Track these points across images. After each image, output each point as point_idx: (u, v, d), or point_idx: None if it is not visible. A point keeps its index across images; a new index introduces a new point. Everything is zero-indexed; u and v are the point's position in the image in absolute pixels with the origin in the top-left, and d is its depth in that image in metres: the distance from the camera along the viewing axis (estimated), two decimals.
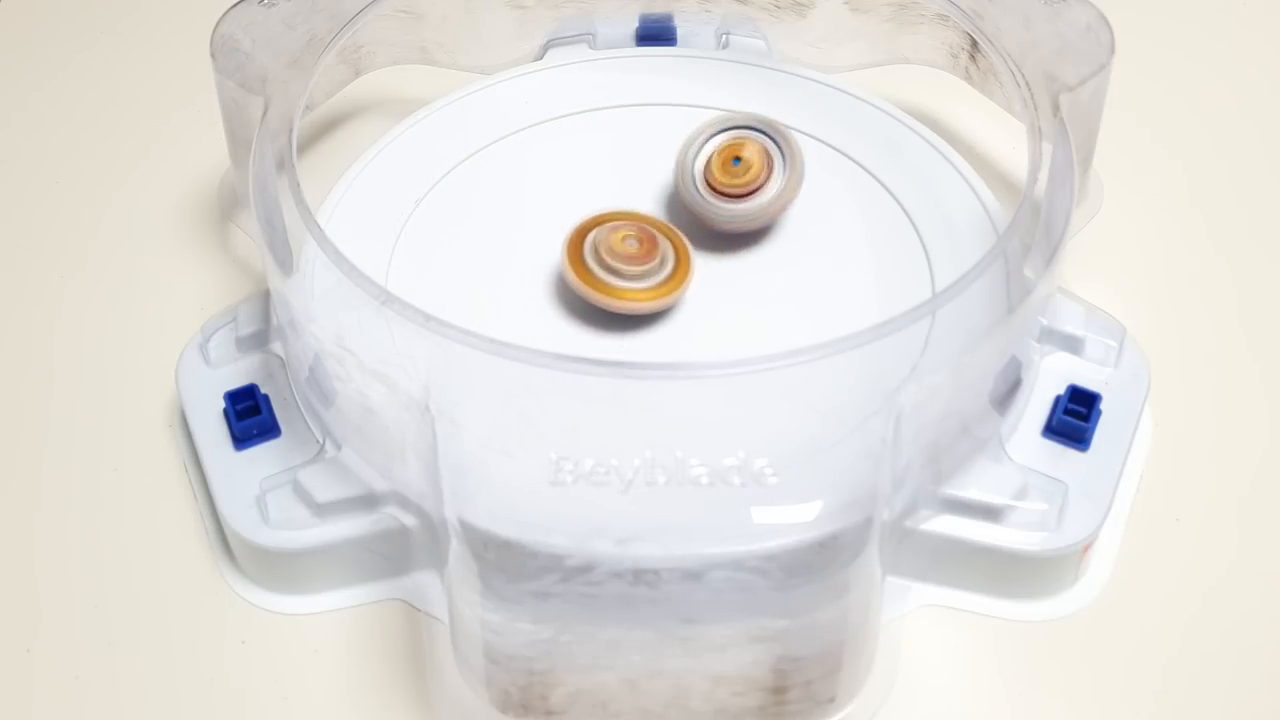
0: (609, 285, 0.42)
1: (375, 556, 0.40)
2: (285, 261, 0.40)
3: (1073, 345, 0.43)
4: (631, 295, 0.42)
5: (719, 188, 0.44)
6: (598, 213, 0.44)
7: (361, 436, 0.40)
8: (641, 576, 0.35)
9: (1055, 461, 0.41)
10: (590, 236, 0.43)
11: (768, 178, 0.44)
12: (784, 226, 0.46)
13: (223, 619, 0.41)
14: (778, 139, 0.45)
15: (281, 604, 0.41)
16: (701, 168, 0.45)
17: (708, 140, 0.45)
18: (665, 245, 0.43)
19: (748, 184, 0.44)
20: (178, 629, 0.41)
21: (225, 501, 0.41)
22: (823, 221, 0.46)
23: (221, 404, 0.42)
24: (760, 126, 0.45)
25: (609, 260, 0.42)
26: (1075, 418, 0.42)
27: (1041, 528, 0.40)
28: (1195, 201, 0.51)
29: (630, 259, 0.42)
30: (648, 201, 0.47)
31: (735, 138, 0.45)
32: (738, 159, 0.44)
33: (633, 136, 0.49)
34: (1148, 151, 0.53)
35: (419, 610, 0.41)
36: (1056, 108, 0.43)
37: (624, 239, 0.43)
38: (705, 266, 0.44)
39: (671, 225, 0.44)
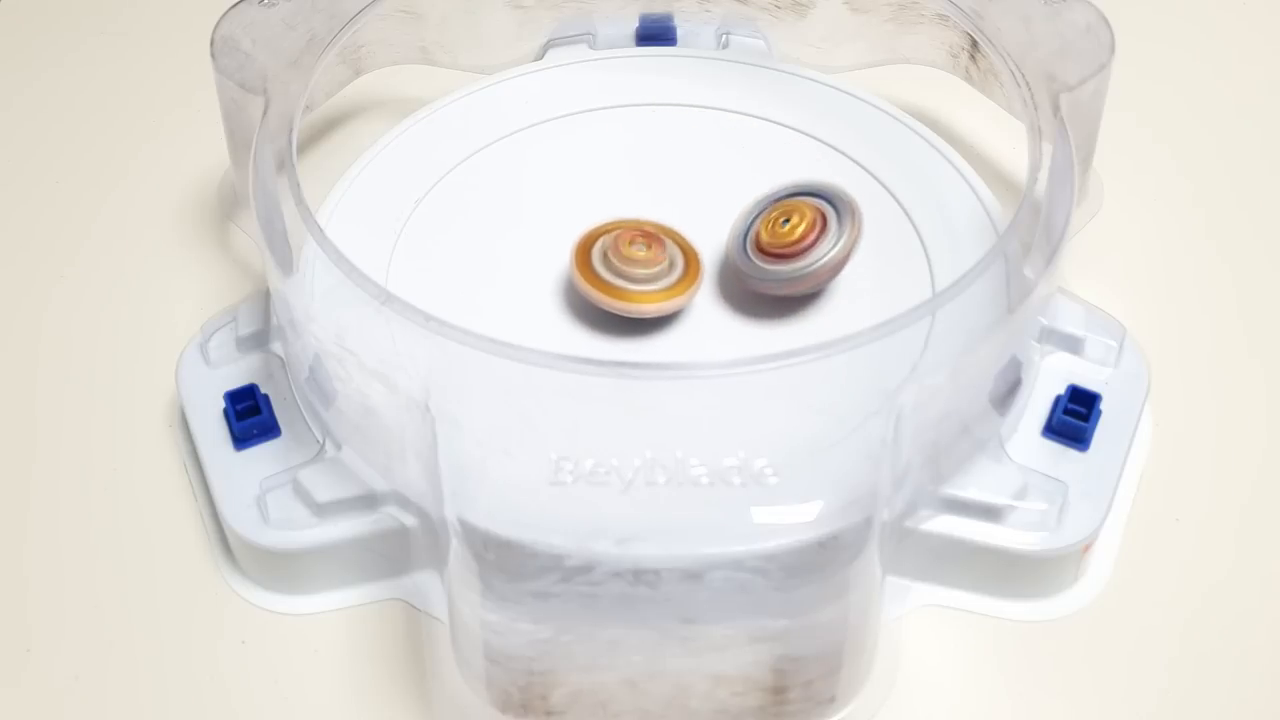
0: (620, 289, 0.42)
1: (375, 556, 0.40)
2: (285, 261, 0.40)
3: (1073, 345, 0.43)
4: (643, 298, 0.42)
5: (766, 248, 0.43)
6: (603, 221, 0.44)
7: (361, 436, 0.40)
8: (641, 576, 0.35)
9: (1055, 461, 0.41)
10: (598, 243, 0.43)
11: (818, 238, 0.42)
12: None
13: (222, 619, 0.41)
14: (837, 203, 0.43)
15: (281, 604, 0.41)
16: (754, 232, 0.43)
17: (767, 206, 0.44)
18: (673, 248, 0.43)
19: (795, 243, 0.42)
20: (178, 629, 0.41)
21: (225, 501, 0.41)
22: None
23: (221, 404, 0.42)
24: (821, 191, 0.43)
25: (619, 264, 0.42)
26: (1075, 418, 0.42)
27: (1041, 528, 0.40)
28: (1195, 201, 0.51)
29: (639, 262, 0.42)
30: (648, 201, 0.47)
31: (791, 203, 0.43)
32: (787, 220, 0.43)
33: (633, 136, 0.49)
34: (1148, 151, 0.53)
35: (419, 610, 0.41)
36: (1056, 108, 0.43)
37: (632, 243, 0.42)
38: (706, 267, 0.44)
39: (678, 231, 0.44)
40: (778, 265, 0.42)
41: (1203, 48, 0.57)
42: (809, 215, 0.43)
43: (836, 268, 0.42)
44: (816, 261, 0.42)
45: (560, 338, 0.43)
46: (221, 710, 0.39)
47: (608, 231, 0.43)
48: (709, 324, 0.43)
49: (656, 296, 0.42)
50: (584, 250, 0.43)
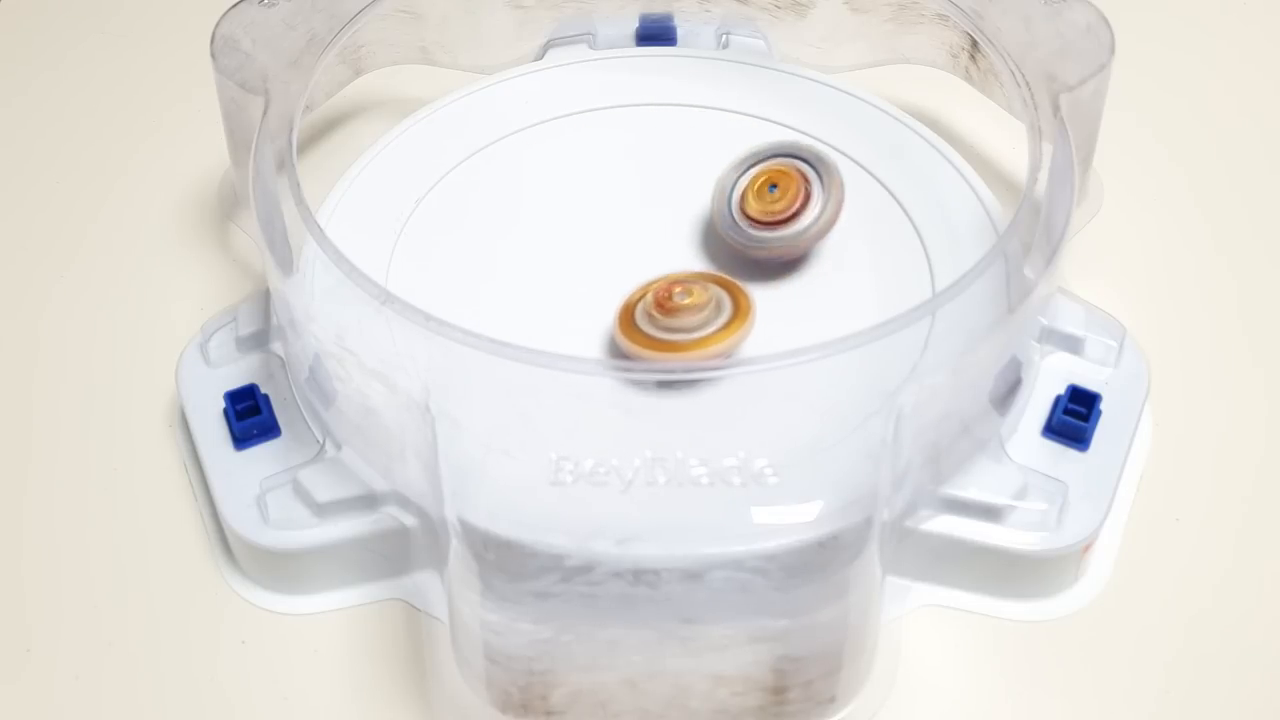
0: (676, 343, 0.40)
1: (375, 556, 0.40)
2: (285, 261, 0.40)
3: (1073, 345, 0.43)
4: (704, 343, 0.40)
5: (753, 215, 0.44)
6: (640, 284, 0.42)
7: (361, 436, 0.40)
8: (641, 576, 0.35)
9: (1055, 461, 0.41)
10: (639, 306, 0.41)
11: (804, 205, 0.43)
12: None
13: (222, 619, 0.41)
14: (818, 166, 0.44)
15: (281, 604, 0.41)
16: (739, 197, 0.44)
17: (747, 169, 0.45)
18: (713, 289, 0.41)
19: (782, 211, 0.43)
20: (178, 629, 0.41)
21: (225, 501, 0.41)
22: None
23: (221, 404, 0.42)
24: (800, 154, 0.44)
25: (665, 319, 0.41)
26: (1075, 418, 0.42)
27: (1041, 528, 0.40)
28: (1195, 201, 0.51)
29: (683, 311, 0.41)
30: (647, 202, 0.47)
31: (775, 165, 0.44)
32: (774, 185, 0.44)
33: (633, 136, 0.49)
34: (1148, 151, 0.53)
35: (419, 610, 0.41)
36: (1056, 108, 0.43)
37: (670, 294, 0.41)
38: (704, 267, 0.44)
39: (722, 274, 0.43)
40: (767, 231, 0.43)
41: (1203, 48, 0.57)
42: (794, 182, 0.43)
43: (824, 229, 0.44)
44: (807, 227, 0.43)
45: (560, 337, 0.43)
46: (221, 710, 0.39)
47: (643, 295, 0.42)
48: None
49: (716, 338, 0.40)
50: (627, 317, 0.41)
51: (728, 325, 0.41)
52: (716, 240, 0.45)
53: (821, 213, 0.43)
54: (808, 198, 0.44)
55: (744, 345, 0.41)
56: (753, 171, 0.44)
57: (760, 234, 0.43)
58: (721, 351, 0.40)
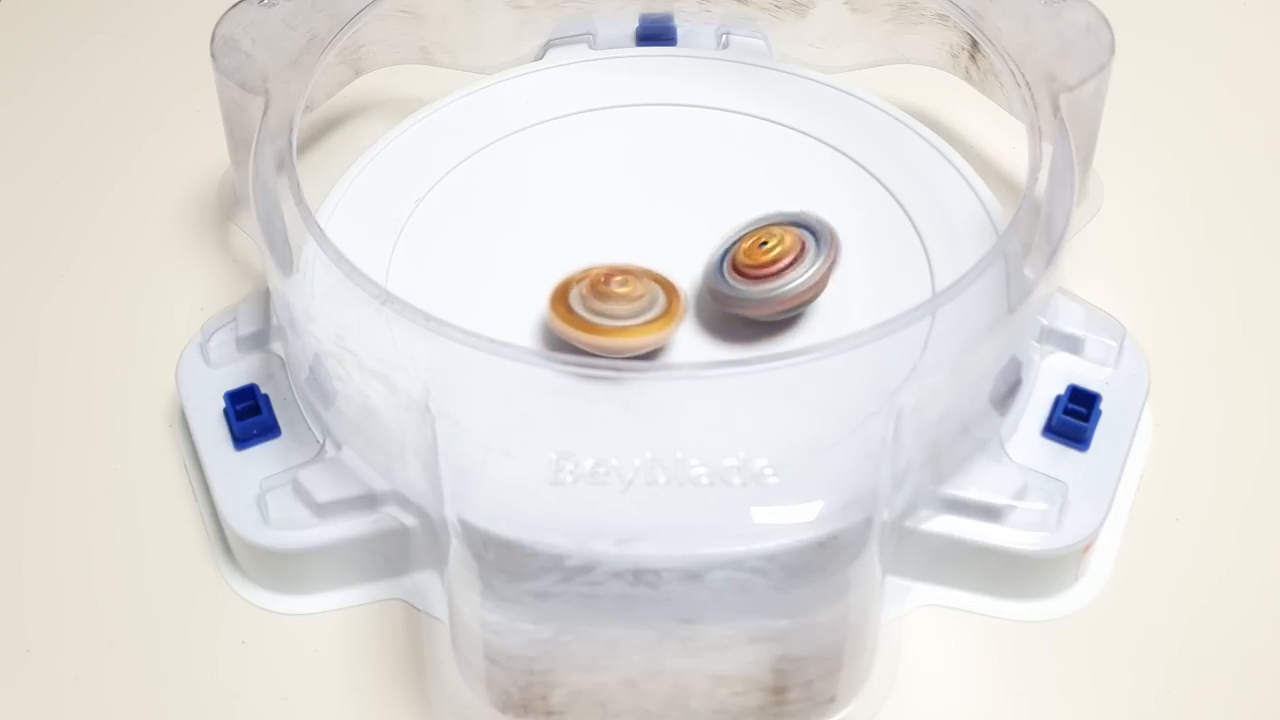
0: (606, 327, 0.41)
1: (375, 556, 0.40)
2: (285, 261, 0.40)
3: (1073, 345, 0.43)
4: (633, 332, 0.41)
5: (742, 265, 0.42)
6: (578, 269, 0.43)
7: (361, 436, 0.40)
8: (641, 576, 0.35)
9: (1055, 461, 0.41)
10: (574, 289, 0.42)
11: (795, 261, 0.42)
12: None
13: (222, 619, 0.41)
14: (818, 231, 0.42)
15: (281, 604, 0.41)
16: (732, 254, 0.42)
17: (746, 232, 0.43)
18: (649, 283, 0.42)
19: (772, 263, 0.41)
20: (178, 629, 0.41)
21: (225, 501, 0.41)
22: None
23: (221, 404, 0.42)
24: (802, 221, 0.43)
25: (599, 304, 0.41)
26: (1075, 418, 0.42)
27: (1041, 528, 0.40)
28: (1195, 201, 0.51)
29: (619, 299, 0.41)
30: (647, 201, 0.47)
31: (775, 227, 0.43)
32: (765, 242, 0.42)
33: (633, 137, 0.49)
34: (1148, 151, 0.53)
35: (419, 610, 0.41)
36: (1056, 108, 0.43)
37: (608, 281, 0.41)
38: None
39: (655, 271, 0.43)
40: (752, 285, 0.42)
41: (1203, 48, 0.57)
42: (788, 239, 0.42)
43: (812, 291, 0.42)
44: (792, 283, 0.41)
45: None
46: (221, 710, 0.39)
47: (582, 278, 0.42)
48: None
49: (638, 331, 0.41)
50: (561, 295, 0.42)
51: (653, 322, 0.41)
52: (716, 240, 0.45)
53: (813, 272, 0.42)
54: (801, 255, 0.42)
55: (668, 343, 0.42)
56: (751, 232, 0.43)
57: (747, 288, 0.42)
58: (640, 346, 0.41)
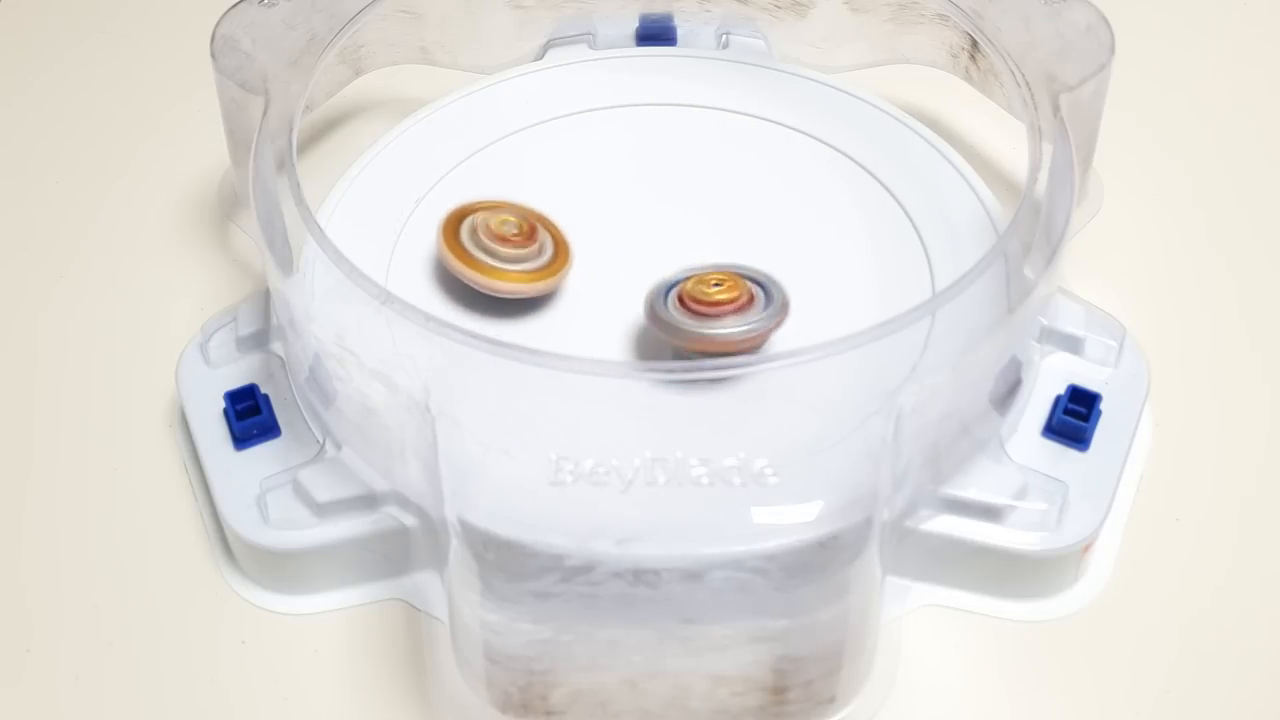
0: (487, 265, 0.42)
1: (375, 556, 0.40)
2: (285, 261, 0.40)
3: (1073, 345, 0.43)
4: (510, 277, 0.42)
5: (689, 297, 0.41)
6: (474, 200, 0.44)
7: (361, 436, 0.40)
8: (641, 576, 0.35)
9: (1055, 461, 0.41)
10: (468, 220, 0.43)
11: (740, 310, 0.40)
12: (783, 227, 0.46)
13: (222, 619, 0.41)
14: (770, 290, 0.41)
15: (281, 604, 0.41)
16: (682, 284, 0.41)
17: (704, 271, 0.42)
18: (544, 234, 0.43)
19: (721, 304, 0.40)
20: (177, 629, 0.41)
21: (225, 501, 0.41)
22: (823, 221, 0.46)
23: (221, 404, 0.42)
24: (759, 278, 0.42)
25: (487, 242, 0.42)
26: (1075, 418, 0.42)
27: (1041, 528, 0.40)
28: (1195, 201, 0.51)
29: (508, 241, 0.43)
30: (647, 201, 0.47)
31: (730, 274, 0.41)
32: (719, 284, 0.41)
33: (633, 137, 0.49)
34: (1148, 151, 0.53)
35: (419, 610, 0.41)
36: (1056, 108, 0.43)
37: (503, 222, 0.43)
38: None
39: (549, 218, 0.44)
40: (686, 317, 0.40)
41: (1203, 48, 0.57)
42: (741, 290, 0.41)
43: (743, 344, 0.40)
44: (725, 329, 0.40)
45: (560, 336, 0.43)
46: (221, 710, 0.39)
47: (479, 209, 0.44)
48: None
49: (525, 277, 0.42)
50: (452, 226, 0.43)
51: (538, 271, 0.43)
52: (716, 240, 0.45)
53: (749, 327, 0.40)
54: (745, 307, 0.40)
55: (551, 288, 0.43)
56: (711, 272, 0.42)
57: (683, 320, 0.40)
58: (518, 291, 0.42)
